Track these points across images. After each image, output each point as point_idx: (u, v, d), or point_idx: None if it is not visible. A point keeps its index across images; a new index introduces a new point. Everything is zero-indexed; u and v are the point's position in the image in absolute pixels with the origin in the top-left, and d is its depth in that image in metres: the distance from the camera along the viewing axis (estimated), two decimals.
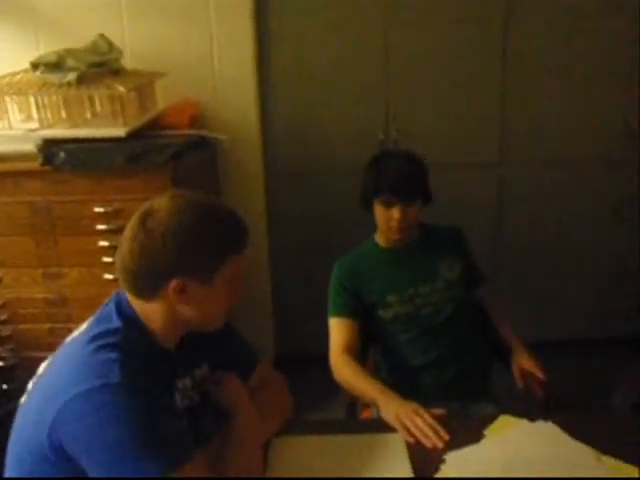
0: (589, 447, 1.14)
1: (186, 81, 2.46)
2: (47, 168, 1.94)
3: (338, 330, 1.60)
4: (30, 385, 1.07)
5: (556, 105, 2.63)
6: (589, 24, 2.53)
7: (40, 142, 1.98)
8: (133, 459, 0.89)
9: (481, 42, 2.55)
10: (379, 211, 1.57)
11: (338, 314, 1.62)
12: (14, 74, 2.10)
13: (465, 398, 1.59)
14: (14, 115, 2.09)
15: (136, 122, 2.07)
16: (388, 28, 2.52)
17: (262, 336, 2.77)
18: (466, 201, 2.70)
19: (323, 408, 1.92)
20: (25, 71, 2.10)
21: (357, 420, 1.59)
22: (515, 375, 1.54)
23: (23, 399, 1.07)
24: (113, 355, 0.95)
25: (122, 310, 1.04)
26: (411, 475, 1.09)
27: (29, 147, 1.98)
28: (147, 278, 1.00)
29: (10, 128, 2.07)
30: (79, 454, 0.91)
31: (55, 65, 2.02)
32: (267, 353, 2.77)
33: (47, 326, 2.09)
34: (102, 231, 1.99)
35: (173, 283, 1.00)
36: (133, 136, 2.01)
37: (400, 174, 1.54)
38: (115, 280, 1.98)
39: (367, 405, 1.58)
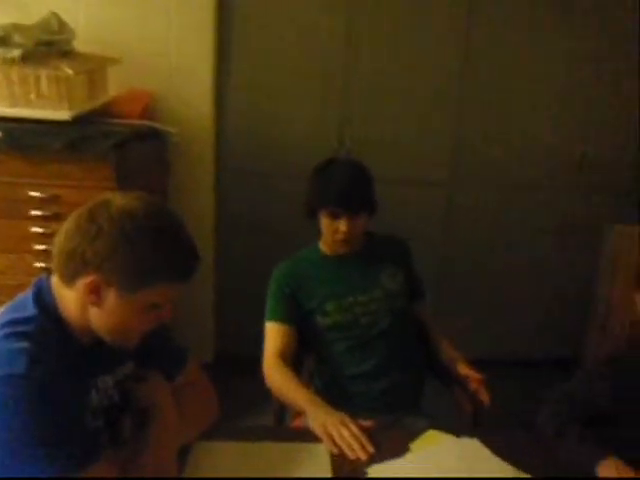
0: (509, 464, 1.16)
1: (141, 70, 2.40)
2: None
3: (273, 335, 1.58)
4: None
5: (506, 130, 2.69)
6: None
7: None
8: (26, 458, 0.84)
9: (442, 60, 2.59)
10: (325, 222, 1.56)
11: (274, 319, 1.60)
12: None
13: (397, 411, 1.59)
14: None
15: (83, 107, 2.00)
16: (350, 35, 2.53)
17: (202, 335, 2.72)
18: (414, 216, 2.72)
19: (255, 413, 1.88)
20: None
21: (285, 428, 1.56)
22: (466, 379, 1.53)
23: None
24: (23, 344, 0.89)
25: (40, 297, 0.98)
26: None
27: None
28: (70, 260, 0.95)
29: None
30: None
31: (0, 39, 1.92)
32: (207, 353, 2.71)
33: None
34: (36, 217, 1.90)
35: (89, 278, 0.94)
36: (78, 121, 1.93)
37: (347, 186, 1.52)
38: (45, 269, 1.93)
39: (298, 413, 1.56)
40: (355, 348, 1.62)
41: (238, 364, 2.15)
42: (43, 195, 1.88)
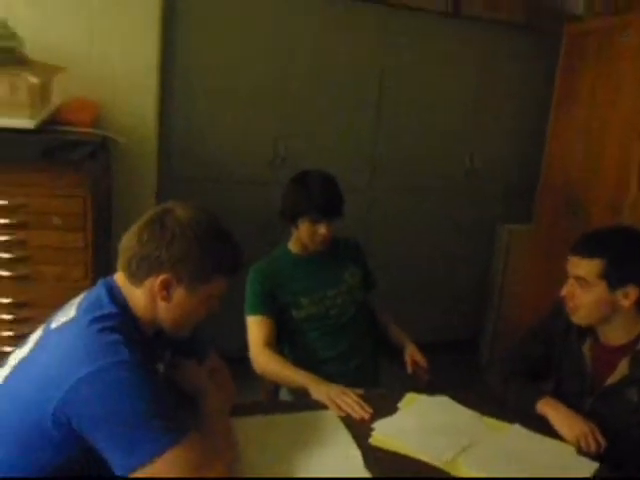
0: (474, 411, 1.47)
1: (85, 79, 2.42)
2: None
3: (257, 327, 1.76)
4: (3, 372, 1.08)
5: (422, 137, 3.08)
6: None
7: None
8: (149, 430, 0.97)
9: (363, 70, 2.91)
10: (305, 226, 1.78)
11: (257, 312, 1.78)
12: None
13: (363, 386, 1.85)
14: None
15: (41, 115, 2.02)
16: (287, 49, 2.76)
17: None
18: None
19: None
20: None
21: (282, 402, 1.75)
22: (407, 363, 1.83)
23: None
24: (116, 336, 1.02)
25: (115, 297, 1.10)
26: (351, 440, 1.31)
27: None
28: (144, 263, 1.09)
29: None
30: (90, 429, 0.96)
31: None
32: None
33: None
34: (1, 225, 1.89)
35: (162, 277, 1.10)
36: (41, 130, 1.96)
37: (327, 195, 1.77)
38: (10, 277, 1.93)
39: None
40: (326, 335, 1.86)
41: None
42: (8, 203, 1.88)
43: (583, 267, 1.39)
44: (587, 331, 1.52)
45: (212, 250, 1.12)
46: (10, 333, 1.93)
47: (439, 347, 3.17)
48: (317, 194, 1.76)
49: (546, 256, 2.95)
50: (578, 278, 1.41)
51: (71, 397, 0.96)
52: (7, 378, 1.06)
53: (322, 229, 1.76)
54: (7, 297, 1.93)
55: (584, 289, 1.40)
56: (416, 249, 3.23)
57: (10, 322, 1.94)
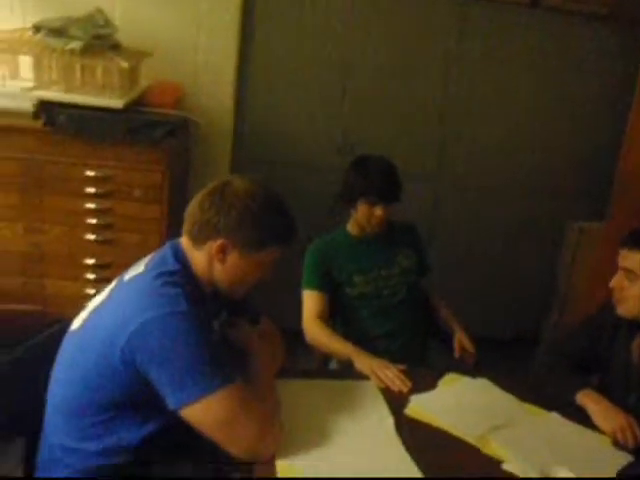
0: (513, 396, 1.51)
1: (169, 63, 2.62)
2: (41, 128, 2.04)
3: (311, 301, 1.87)
4: (81, 316, 1.25)
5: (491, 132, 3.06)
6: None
7: (36, 102, 2.07)
8: (199, 373, 1.10)
9: (430, 64, 2.92)
10: (363, 208, 1.86)
11: (312, 287, 1.89)
12: (11, 31, 2.17)
13: (408, 364, 1.92)
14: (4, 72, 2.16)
15: (130, 96, 2.22)
16: (362, 41, 2.83)
17: None
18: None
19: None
20: (21, 30, 2.18)
21: (327, 370, 1.86)
22: (455, 347, 1.88)
23: (74, 327, 1.24)
24: (178, 290, 1.16)
25: (178, 256, 1.25)
26: (387, 409, 1.39)
27: (23, 105, 2.07)
28: (204, 228, 1.22)
29: (3, 85, 2.14)
30: (149, 367, 1.11)
31: (58, 31, 2.12)
32: None
33: (22, 280, 2.17)
34: (90, 194, 2.11)
35: (219, 241, 1.22)
36: (128, 109, 2.16)
37: (384, 179, 1.84)
38: (95, 241, 2.15)
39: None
40: (377, 314, 1.94)
41: None
42: (98, 174, 2.10)
43: (632, 259, 1.39)
44: (637, 327, 1.51)
45: (265, 221, 1.23)
46: (92, 291, 2.15)
47: (499, 343, 3.19)
48: (375, 177, 1.83)
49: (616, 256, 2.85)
50: (627, 270, 1.41)
51: (136, 337, 1.11)
52: (84, 321, 1.23)
53: (378, 211, 1.84)
54: (92, 258, 2.16)
55: (632, 282, 1.40)
56: (482, 244, 3.22)
57: (93, 281, 2.16)
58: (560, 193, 3.22)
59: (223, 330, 1.37)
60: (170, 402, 1.11)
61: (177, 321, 1.12)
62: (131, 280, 1.23)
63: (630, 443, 1.36)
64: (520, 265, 3.29)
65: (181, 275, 1.21)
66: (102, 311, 1.21)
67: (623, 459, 1.32)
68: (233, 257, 1.24)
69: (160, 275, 1.19)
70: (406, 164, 2.98)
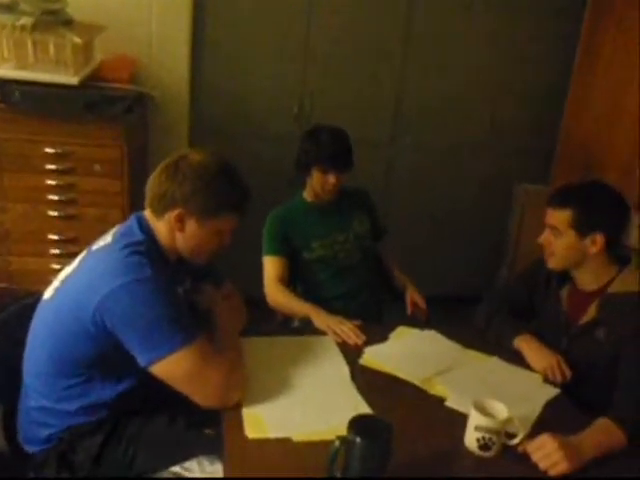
0: (458, 344, 1.66)
1: (122, 37, 2.62)
2: None
3: (272, 266, 1.98)
4: (53, 285, 1.33)
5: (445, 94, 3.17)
6: None
7: None
8: (165, 332, 1.21)
9: (388, 27, 2.99)
10: (317, 176, 1.96)
11: (272, 253, 2.00)
12: None
13: (365, 322, 2.06)
14: None
15: (84, 72, 2.24)
16: (312, 8, 2.88)
17: None
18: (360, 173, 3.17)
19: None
20: None
21: (288, 328, 1.97)
22: (407, 303, 2.03)
23: (46, 296, 1.32)
24: (142, 259, 1.25)
25: (143, 227, 1.33)
26: (343, 360, 1.52)
27: None
28: (162, 199, 1.31)
29: None
30: (120, 329, 1.20)
31: (7, 6, 2.11)
32: None
33: None
34: (51, 170, 2.15)
35: (177, 211, 1.31)
36: (83, 85, 2.18)
37: (337, 147, 1.94)
38: (59, 217, 2.19)
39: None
40: (335, 276, 2.07)
41: None
42: (58, 151, 2.13)
43: (555, 217, 1.53)
44: (566, 278, 1.67)
45: (218, 189, 1.32)
46: (58, 266, 2.21)
47: (451, 301, 3.37)
48: (326, 146, 1.93)
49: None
50: (552, 227, 1.55)
51: (105, 301, 1.20)
52: (56, 290, 1.31)
53: (331, 179, 1.94)
54: (56, 234, 2.20)
55: (557, 237, 1.55)
56: (434, 205, 3.37)
57: (58, 256, 2.21)
58: (509, 154, 3.37)
59: (188, 294, 1.47)
60: (141, 360, 1.21)
61: (143, 287, 1.21)
62: (99, 250, 1.31)
63: (559, 379, 1.53)
64: (472, 225, 3.46)
65: (146, 245, 1.30)
66: (73, 279, 1.30)
67: (550, 391, 1.49)
68: (191, 225, 1.33)
69: (127, 246, 1.27)
70: (361, 130, 3.13)
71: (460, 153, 3.31)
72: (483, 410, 1.26)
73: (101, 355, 1.25)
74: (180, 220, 1.32)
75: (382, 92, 3.11)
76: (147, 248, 1.29)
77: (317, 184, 1.99)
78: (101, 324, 1.21)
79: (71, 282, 1.29)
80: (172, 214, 1.31)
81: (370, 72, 3.06)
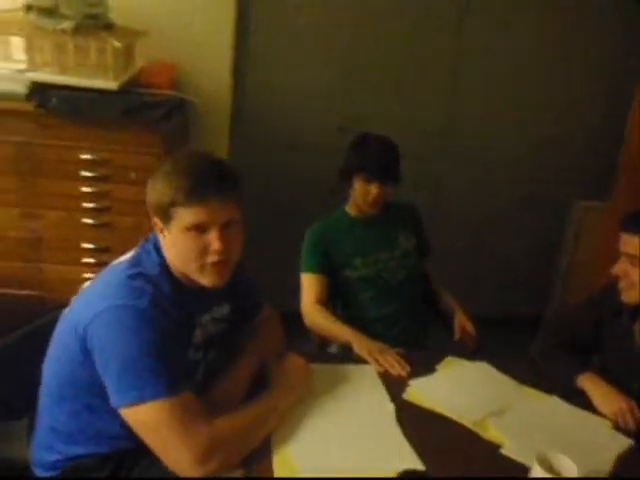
0: (513, 379, 1.50)
1: (164, 43, 2.56)
2: (35, 110, 2.01)
3: (311, 284, 1.85)
4: (73, 300, 1.23)
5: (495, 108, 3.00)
6: None
7: (29, 84, 2.03)
8: (143, 372, 1.04)
9: (437, 44, 2.86)
10: (359, 185, 1.83)
11: (311, 271, 1.87)
12: (1, 12, 2.12)
13: (407, 348, 1.91)
14: None
15: (124, 77, 2.17)
16: (357, 26, 2.77)
17: None
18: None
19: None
20: (12, 11, 2.12)
21: (329, 354, 1.84)
22: (455, 329, 1.87)
23: (67, 309, 1.23)
24: (145, 285, 1.12)
25: (157, 246, 1.21)
26: (386, 394, 1.38)
27: (16, 87, 2.03)
28: (150, 212, 1.18)
29: None
30: (97, 358, 1.08)
31: (49, 10, 2.07)
32: None
33: (19, 264, 2.16)
34: (86, 177, 2.08)
35: (153, 220, 1.18)
36: (122, 91, 2.11)
37: (382, 157, 1.81)
38: (93, 225, 2.12)
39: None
40: (377, 296, 1.92)
41: None
42: (94, 157, 2.06)
43: (633, 245, 1.36)
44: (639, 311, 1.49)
45: (163, 188, 1.13)
46: (91, 275, 2.14)
47: (500, 323, 3.18)
48: (371, 153, 1.81)
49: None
50: (629, 256, 1.37)
51: (91, 326, 1.08)
52: (72, 304, 1.21)
53: (374, 189, 1.81)
54: (89, 242, 2.14)
55: (636, 267, 1.36)
56: (486, 223, 3.19)
57: (91, 265, 2.15)
58: (565, 171, 3.17)
59: (222, 327, 1.34)
60: (112, 400, 1.08)
61: (127, 316, 1.06)
62: (114, 265, 1.20)
63: (631, 426, 1.35)
64: (524, 244, 3.26)
65: (160, 270, 1.17)
66: (82, 294, 1.20)
67: (624, 443, 1.31)
68: (166, 234, 1.17)
69: (134, 265, 1.16)
70: (410, 143, 2.99)
71: (516, 169, 3.13)
72: (547, 465, 1.10)
73: (99, 382, 1.10)
74: (161, 231, 1.18)
75: (431, 105, 2.97)
76: (159, 275, 1.16)
77: (359, 195, 1.86)
78: (88, 350, 1.09)
79: (82, 296, 1.19)
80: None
81: (419, 85, 2.92)
